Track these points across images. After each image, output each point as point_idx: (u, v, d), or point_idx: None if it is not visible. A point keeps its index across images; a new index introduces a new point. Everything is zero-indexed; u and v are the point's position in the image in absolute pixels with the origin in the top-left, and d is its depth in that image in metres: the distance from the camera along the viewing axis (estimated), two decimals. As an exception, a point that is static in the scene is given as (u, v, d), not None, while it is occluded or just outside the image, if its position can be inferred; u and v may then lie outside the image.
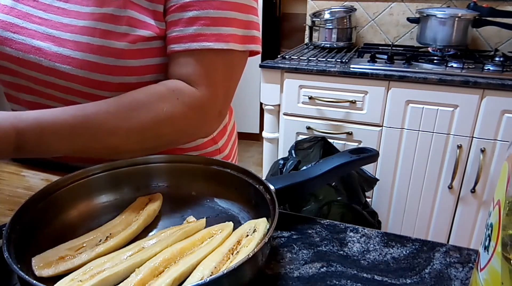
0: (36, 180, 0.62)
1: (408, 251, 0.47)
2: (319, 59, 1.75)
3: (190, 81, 0.58)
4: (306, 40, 2.21)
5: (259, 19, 0.65)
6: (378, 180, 1.65)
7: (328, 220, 0.53)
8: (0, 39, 0.60)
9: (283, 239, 0.49)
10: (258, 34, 0.65)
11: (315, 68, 1.63)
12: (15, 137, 0.49)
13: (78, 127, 0.52)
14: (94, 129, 0.52)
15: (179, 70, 0.59)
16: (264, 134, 1.85)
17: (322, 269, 0.44)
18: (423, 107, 1.55)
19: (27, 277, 0.34)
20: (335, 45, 1.97)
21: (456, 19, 1.70)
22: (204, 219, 0.49)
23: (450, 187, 1.60)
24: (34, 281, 0.34)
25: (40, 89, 0.61)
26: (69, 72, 0.58)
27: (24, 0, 0.61)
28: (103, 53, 0.57)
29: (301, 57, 1.78)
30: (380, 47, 1.96)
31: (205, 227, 0.48)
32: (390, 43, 2.05)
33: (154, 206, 0.51)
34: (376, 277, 0.43)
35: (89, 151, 0.54)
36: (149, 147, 0.58)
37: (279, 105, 1.76)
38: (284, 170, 1.56)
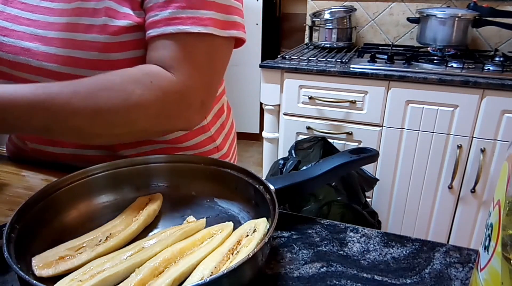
0: (36, 180, 0.62)
1: (408, 251, 0.47)
2: (319, 59, 1.75)
3: (166, 66, 0.55)
4: (306, 40, 2.21)
5: (241, 5, 0.62)
6: (378, 180, 1.65)
7: (328, 220, 0.53)
8: None
9: (283, 239, 0.49)
10: (241, 20, 0.61)
11: (315, 68, 1.63)
12: None
13: (37, 105, 0.49)
14: (55, 108, 0.49)
15: (155, 55, 0.56)
16: (264, 134, 1.85)
17: (322, 269, 0.44)
18: (423, 107, 1.55)
19: (27, 277, 0.34)
20: (335, 45, 1.97)
21: (456, 19, 1.70)
22: (204, 219, 0.49)
23: (450, 187, 1.60)
24: (34, 281, 0.34)
25: None
26: (55, 70, 0.58)
27: (13, 3, 0.61)
28: (86, 47, 0.57)
29: (301, 57, 1.78)
30: (380, 47, 1.96)
31: (205, 227, 0.48)
32: (390, 43, 2.05)
33: (154, 206, 0.51)
34: (376, 277, 0.43)
35: (52, 131, 0.52)
36: (120, 133, 0.55)
37: (279, 105, 1.76)
38: (284, 170, 1.56)
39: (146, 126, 0.55)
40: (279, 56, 1.82)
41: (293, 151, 1.63)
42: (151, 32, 0.56)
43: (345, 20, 1.96)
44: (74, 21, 0.57)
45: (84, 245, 0.44)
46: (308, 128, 1.73)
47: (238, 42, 0.62)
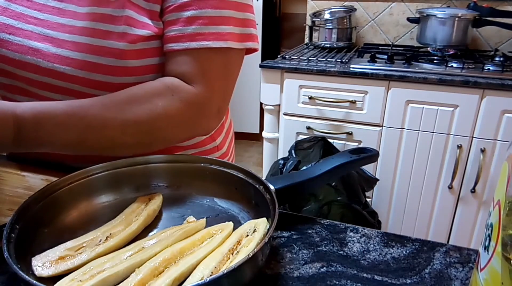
0: (36, 180, 0.62)
1: (408, 251, 0.47)
2: (319, 59, 1.75)
3: (186, 79, 0.59)
4: (306, 40, 2.21)
5: (255, 16, 0.66)
6: (378, 180, 1.65)
7: (328, 220, 0.53)
8: None
9: (283, 239, 0.49)
10: (255, 31, 0.66)
11: (315, 68, 1.63)
12: (13, 122, 0.49)
13: (73, 115, 0.52)
14: (89, 118, 0.53)
15: (176, 69, 0.60)
16: (264, 134, 1.85)
17: (322, 269, 0.44)
18: (423, 107, 1.55)
19: (27, 277, 0.34)
20: (335, 45, 1.97)
21: (456, 19, 1.70)
22: (204, 219, 0.49)
23: (450, 187, 1.60)
24: (34, 281, 0.34)
25: (37, 91, 0.61)
26: (68, 73, 0.57)
27: (18, 0, 0.60)
28: (103, 53, 0.57)
29: (301, 57, 1.78)
30: (380, 47, 1.96)
31: (205, 227, 0.48)
32: (390, 43, 2.05)
33: (154, 206, 0.51)
34: (376, 277, 0.43)
35: (85, 143, 0.54)
36: (146, 142, 0.58)
37: (279, 105, 1.76)
38: (284, 170, 1.56)
39: (170, 134, 0.60)
40: (279, 56, 1.82)
41: (293, 151, 1.64)
42: (174, 46, 0.59)
43: (345, 20, 1.96)
44: (90, 26, 0.57)
45: (84, 245, 0.44)
46: (308, 128, 1.73)
47: (250, 49, 0.66)
